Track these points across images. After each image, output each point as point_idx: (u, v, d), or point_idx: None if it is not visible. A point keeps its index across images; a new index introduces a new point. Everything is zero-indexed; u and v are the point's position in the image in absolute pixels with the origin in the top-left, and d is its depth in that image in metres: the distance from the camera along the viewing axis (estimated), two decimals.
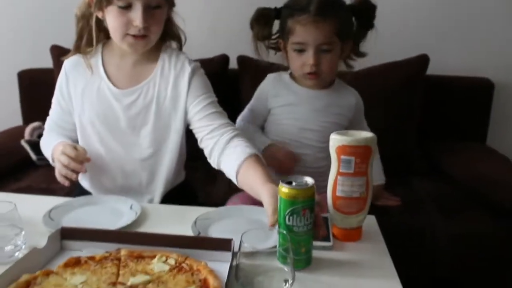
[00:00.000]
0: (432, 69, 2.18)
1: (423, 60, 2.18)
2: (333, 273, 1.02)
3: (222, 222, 1.24)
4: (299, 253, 1.00)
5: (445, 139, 2.33)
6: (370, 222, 1.24)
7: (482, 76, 2.32)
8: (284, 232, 0.97)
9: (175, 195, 1.58)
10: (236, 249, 0.98)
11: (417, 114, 2.23)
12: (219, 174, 1.40)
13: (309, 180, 1.01)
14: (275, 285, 0.92)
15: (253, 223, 1.22)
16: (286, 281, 0.91)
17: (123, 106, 1.45)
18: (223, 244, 1.02)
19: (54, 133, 1.55)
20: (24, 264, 0.93)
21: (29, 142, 2.08)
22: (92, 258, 1.00)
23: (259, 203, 1.56)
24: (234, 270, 0.90)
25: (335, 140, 1.13)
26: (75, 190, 1.61)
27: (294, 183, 1.00)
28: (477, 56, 2.42)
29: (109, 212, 1.30)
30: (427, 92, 2.22)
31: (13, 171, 2.02)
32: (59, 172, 1.34)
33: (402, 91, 2.17)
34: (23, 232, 1.04)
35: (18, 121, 2.48)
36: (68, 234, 1.06)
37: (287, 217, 0.99)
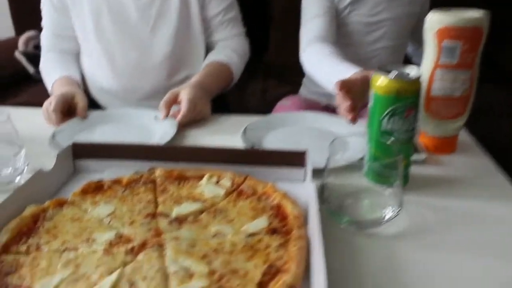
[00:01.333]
0: None
1: None
2: (438, 194, 0.77)
3: (278, 132, 0.97)
4: (391, 168, 0.73)
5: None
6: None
7: None
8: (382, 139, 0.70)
9: None
10: (308, 164, 0.72)
11: None
12: (251, 77, 1.13)
13: (414, 70, 0.72)
14: (376, 212, 0.67)
15: (320, 134, 0.95)
16: (385, 206, 0.66)
17: None
18: (294, 158, 0.75)
19: (53, 54, 1.28)
20: (28, 191, 0.68)
21: (24, 54, 1.77)
22: (118, 182, 0.74)
23: (317, 108, 1.30)
24: (320, 191, 0.64)
25: (435, 21, 0.83)
26: None
27: (394, 74, 0.71)
28: None
29: (134, 129, 1.03)
30: None
31: (8, 85, 1.72)
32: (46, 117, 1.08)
33: None
34: (23, 151, 0.78)
35: (9, 32, 2.15)
36: (83, 152, 0.79)
37: (385, 120, 0.71)
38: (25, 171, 0.78)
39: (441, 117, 0.87)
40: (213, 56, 1.25)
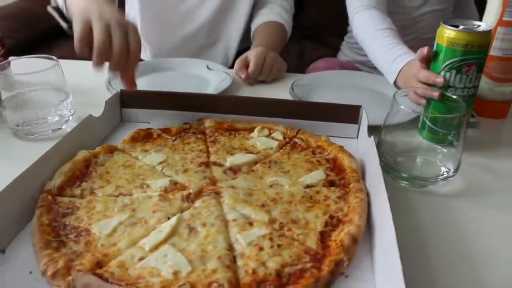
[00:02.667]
0: None
1: None
2: (492, 156, 0.73)
3: (324, 90, 0.93)
4: (449, 126, 0.69)
5: None
6: None
7: None
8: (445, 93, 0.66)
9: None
10: (363, 120, 0.69)
11: None
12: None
13: (484, 24, 0.67)
14: (433, 170, 0.64)
15: (370, 93, 0.91)
16: (440, 165, 0.63)
17: None
18: (347, 114, 0.72)
19: None
20: (79, 136, 0.66)
21: (57, 9, 1.74)
22: (167, 131, 0.72)
23: (350, 68, 1.26)
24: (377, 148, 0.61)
25: None
26: None
27: (461, 26, 0.66)
28: None
29: (190, 78, 1.00)
30: None
31: (43, 41, 1.69)
32: (76, 36, 0.69)
33: None
34: (70, 98, 0.76)
35: None
36: (131, 101, 0.77)
37: (443, 72, 0.67)
38: (71, 119, 0.76)
39: (497, 80, 0.82)
40: (266, 17, 1.19)
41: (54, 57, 0.75)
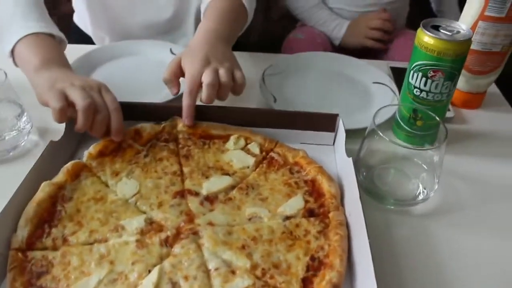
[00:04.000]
0: None
1: None
2: (469, 153, 0.74)
3: (296, 77, 0.89)
4: (411, 125, 0.71)
5: None
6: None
7: None
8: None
9: None
10: (340, 130, 0.68)
11: None
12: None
13: (464, 29, 0.65)
14: (409, 187, 0.65)
15: (344, 81, 0.89)
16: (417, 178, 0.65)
17: None
18: (324, 122, 0.70)
19: None
20: (41, 168, 0.61)
21: None
22: (138, 137, 0.68)
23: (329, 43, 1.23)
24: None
25: None
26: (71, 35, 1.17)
27: (441, 30, 0.64)
28: None
29: (152, 64, 0.92)
30: None
31: None
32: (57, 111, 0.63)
33: None
34: (25, 113, 0.69)
35: None
36: None
37: (412, 71, 0.68)
38: (30, 132, 0.70)
39: (474, 72, 0.81)
40: None
41: (1, 70, 0.66)
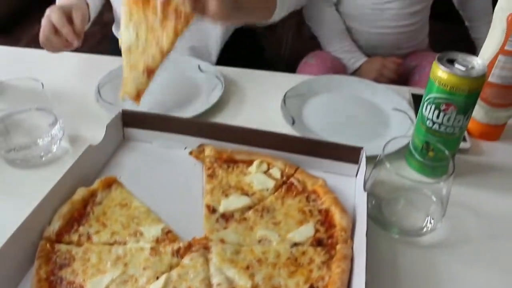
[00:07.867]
0: None
1: None
2: (484, 185, 0.73)
3: (316, 99, 0.94)
4: (423, 155, 0.71)
5: None
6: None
7: None
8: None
9: (236, 47, 1.22)
10: (362, 162, 0.69)
11: None
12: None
13: (479, 64, 0.64)
14: (417, 217, 0.65)
15: (364, 106, 0.92)
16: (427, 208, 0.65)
17: None
18: (348, 154, 0.71)
19: None
20: (78, 169, 0.68)
21: None
22: None
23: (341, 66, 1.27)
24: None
25: (509, 3, 0.73)
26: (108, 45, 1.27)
27: (456, 64, 0.65)
28: None
29: (182, 81, 0.98)
30: None
31: (26, 11, 1.59)
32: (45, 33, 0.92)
33: None
34: (60, 121, 0.77)
35: None
36: (133, 121, 0.77)
37: (426, 103, 0.69)
38: (62, 139, 0.77)
39: (493, 105, 0.80)
40: None
41: (39, 79, 0.74)
